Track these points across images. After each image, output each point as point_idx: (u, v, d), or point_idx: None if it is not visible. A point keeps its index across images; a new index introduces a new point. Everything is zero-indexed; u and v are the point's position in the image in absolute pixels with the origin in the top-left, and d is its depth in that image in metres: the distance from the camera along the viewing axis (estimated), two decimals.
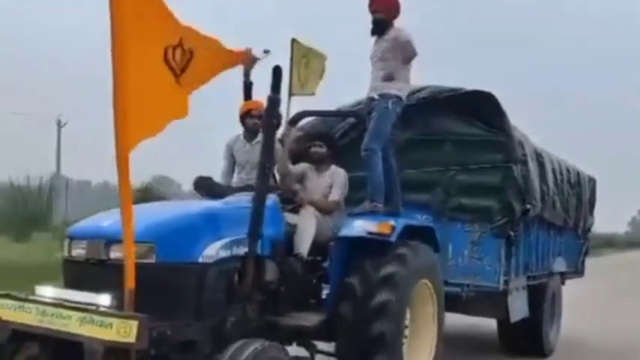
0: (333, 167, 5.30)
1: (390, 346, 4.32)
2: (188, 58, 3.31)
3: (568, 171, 7.62)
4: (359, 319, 4.33)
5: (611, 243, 53.96)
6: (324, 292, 4.76)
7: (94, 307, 3.20)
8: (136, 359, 3.18)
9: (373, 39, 5.27)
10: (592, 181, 8.74)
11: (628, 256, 40.71)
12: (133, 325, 3.05)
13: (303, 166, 5.37)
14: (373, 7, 5.18)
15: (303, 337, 4.63)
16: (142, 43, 3.13)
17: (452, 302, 5.52)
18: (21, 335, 3.41)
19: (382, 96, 5.10)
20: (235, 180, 5.36)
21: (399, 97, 5.13)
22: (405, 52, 5.10)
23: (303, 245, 4.68)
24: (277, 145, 5.23)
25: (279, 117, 4.79)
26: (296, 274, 4.55)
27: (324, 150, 5.29)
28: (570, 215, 7.72)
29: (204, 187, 5.08)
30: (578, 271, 8.76)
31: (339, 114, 6.43)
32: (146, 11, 3.15)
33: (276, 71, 3.88)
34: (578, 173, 8.06)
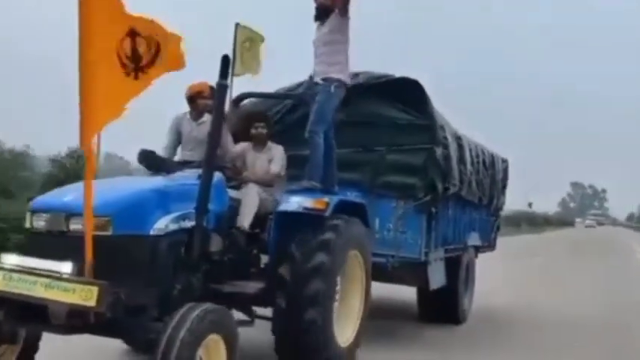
0: (270, 144, 5.68)
1: (322, 303, 4.77)
2: (155, 50, 3.54)
3: (483, 153, 8.29)
4: (296, 279, 4.75)
5: (548, 221, 62.24)
6: (263, 262, 5.19)
7: (57, 274, 3.47)
8: (93, 320, 3.51)
9: (316, 24, 5.58)
10: (505, 163, 9.49)
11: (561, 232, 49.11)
12: (94, 290, 3.36)
13: (242, 146, 5.71)
14: None
15: (244, 303, 5.02)
16: (98, 34, 3.37)
17: (378, 271, 6.04)
18: None
19: (325, 80, 5.45)
20: (179, 155, 5.64)
21: (341, 82, 5.50)
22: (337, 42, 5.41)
23: (246, 219, 5.05)
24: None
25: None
26: (238, 246, 4.93)
27: (263, 130, 5.65)
28: (484, 194, 8.42)
29: (149, 160, 5.34)
30: (490, 245, 9.55)
31: (283, 96, 6.78)
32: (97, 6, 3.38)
33: (225, 60, 4.20)
34: (492, 155, 8.77)
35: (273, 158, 5.60)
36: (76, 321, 3.55)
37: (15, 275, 3.50)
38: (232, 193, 5.14)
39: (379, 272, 6.20)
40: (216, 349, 3.77)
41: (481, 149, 8.27)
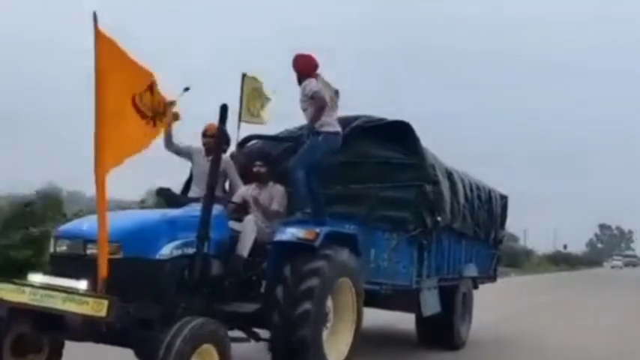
0: (272, 183, 6.32)
1: (313, 322, 5.32)
2: (164, 104, 4.27)
3: (478, 188, 8.83)
4: (289, 301, 5.31)
5: (580, 261, 74.31)
6: (263, 288, 5.78)
7: (74, 290, 4.15)
8: (105, 330, 4.16)
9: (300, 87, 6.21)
10: (504, 199, 9.99)
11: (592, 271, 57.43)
12: (104, 303, 4.02)
13: (247, 187, 6.34)
14: (294, 64, 6.17)
15: (243, 322, 5.59)
16: (115, 91, 4.11)
17: (372, 298, 6.60)
18: (16, 311, 4.34)
19: (315, 132, 6.07)
20: (191, 192, 6.34)
21: (329, 133, 6.11)
22: (316, 102, 5.97)
23: (245, 248, 5.68)
24: (230, 162, 6.28)
25: (227, 142, 5.86)
26: (238, 271, 5.55)
27: (264, 169, 6.31)
28: (480, 227, 8.93)
29: (165, 196, 6.07)
30: (490, 276, 9.98)
31: (284, 139, 7.47)
32: (118, 65, 4.13)
33: (223, 108, 4.91)
34: (489, 191, 9.29)
35: (274, 197, 6.22)
36: (89, 330, 4.20)
37: (40, 291, 4.19)
38: (235, 225, 5.78)
39: (374, 299, 6.74)
40: (210, 356, 4.34)
41: (476, 185, 8.81)
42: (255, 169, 6.31)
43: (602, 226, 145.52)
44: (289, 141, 7.25)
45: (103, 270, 4.18)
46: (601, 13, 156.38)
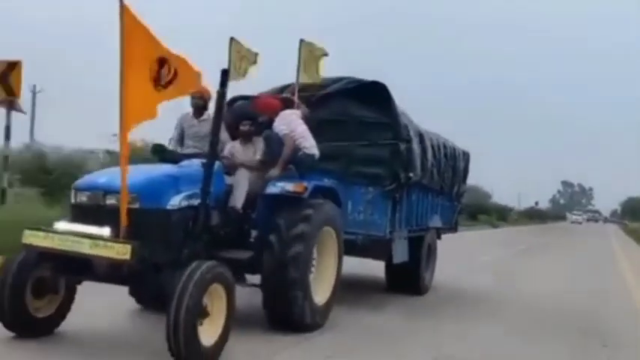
0: (255, 139, 6.81)
1: (302, 264, 5.92)
2: (173, 75, 4.68)
3: (445, 147, 9.49)
4: (281, 244, 5.88)
5: (547, 216, 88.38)
6: (252, 237, 6.32)
7: (99, 236, 4.62)
8: (125, 273, 4.67)
9: None
10: (466, 155, 10.70)
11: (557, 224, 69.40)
12: (128, 247, 4.52)
13: (232, 143, 6.81)
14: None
15: (237, 267, 6.13)
16: (134, 61, 4.52)
17: (349, 247, 7.22)
18: (44, 256, 4.79)
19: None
20: (185, 148, 6.78)
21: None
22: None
23: (238, 200, 6.20)
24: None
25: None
26: (232, 222, 6.08)
27: (250, 128, 6.78)
28: (446, 182, 9.64)
29: (160, 153, 6.50)
30: (452, 227, 10.77)
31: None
32: (137, 37, 4.53)
33: (224, 72, 5.34)
34: (454, 148, 9.98)
35: (257, 149, 6.74)
36: (113, 272, 4.70)
37: (67, 237, 4.65)
38: (227, 179, 6.28)
39: (351, 248, 7.38)
40: (218, 295, 4.89)
41: (443, 144, 9.47)
42: (241, 128, 6.78)
43: (565, 183, 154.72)
44: None
45: (124, 218, 4.66)
46: None
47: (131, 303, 6.47)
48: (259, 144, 6.76)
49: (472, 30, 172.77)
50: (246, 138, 6.77)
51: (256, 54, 7.39)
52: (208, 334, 4.76)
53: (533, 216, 76.75)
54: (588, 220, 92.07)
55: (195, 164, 5.82)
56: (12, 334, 5.14)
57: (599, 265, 18.82)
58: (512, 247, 22.77)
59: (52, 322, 5.32)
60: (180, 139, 6.86)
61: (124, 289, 5.84)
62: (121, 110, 4.53)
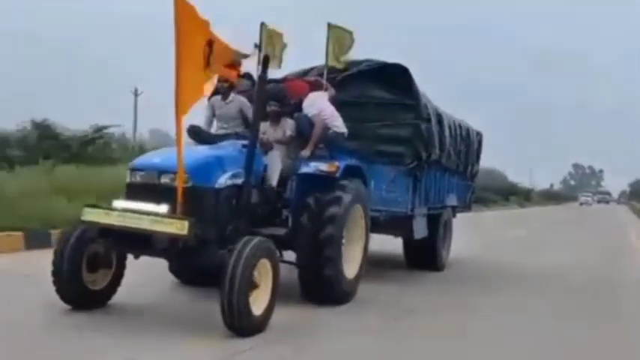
0: (283, 119, 7.07)
1: (334, 244, 6.23)
2: (218, 55, 4.94)
3: (460, 127, 9.78)
4: (314, 226, 6.19)
5: (561, 197, 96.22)
6: (284, 214, 6.62)
7: (157, 213, 4.90)
8: (181, 246, 4.96)
9: None
10: (479, 135, 11.00)
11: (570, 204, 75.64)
12: (186, 223, 4.80)
13: (263, 124, 7.07)
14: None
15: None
16: (187, 47, 4.77)
17: (372, 224, 7.51)
18: (105, 232, 5.08)
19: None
20: (216, 129, 7.05)
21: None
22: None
23: (273, 179, 6.47)
24: (247, 104, 6.99)
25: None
26: (269, 199, 6.37)
27: (277, 109, 7.02)
28: (461, 162, 9.94)
29: (196, 134, 6.76)
30: (466, 206, 11.11)
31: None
32: (189, 23, 4.77)
33: (265, 59, 5.59)
34: (468, 129, 10.27)
35: (287, 128, 6.99)
36: (171, 246, 4.99)
37: (127, 214, 4.93)
38: (262, 158, 6.55)
39: (373, 224, 7.66)
40: (266, 270, 5.19)
41: (458, 124, 9.76)
42: (269, 109, 7.03)
43: (576, 165, 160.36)
44: None
45: (181, 196, 4.95)
46: None
47: (168, 277, 6.79)
48: (288, 124, 7.02)
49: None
50: (275, 119, 7.02)
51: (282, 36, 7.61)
52: (257, 304, 5.07)
53: (552, 197, 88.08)
54: (599, 201, 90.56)
55: (236, 145, 6.09)
56: (67, 307, 5.44)
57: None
58: (548, 221, 30.04)
59: (105, 294, 5.62)
60: (211, 120, 7.11)
61: (159, 266, 6.12)
62: (177, 93, 4.78)
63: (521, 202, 56.66)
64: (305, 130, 6.91)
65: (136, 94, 44.06)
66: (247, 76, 7.36)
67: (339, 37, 7.57)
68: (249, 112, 7.02)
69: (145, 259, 5.40)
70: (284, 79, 7.89)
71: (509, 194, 55.03)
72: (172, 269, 6.66)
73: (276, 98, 7.24)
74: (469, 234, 13.24)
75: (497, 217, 29.35)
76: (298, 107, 7.12)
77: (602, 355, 5.58)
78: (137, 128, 35.93)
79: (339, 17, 7.82)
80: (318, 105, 7.01)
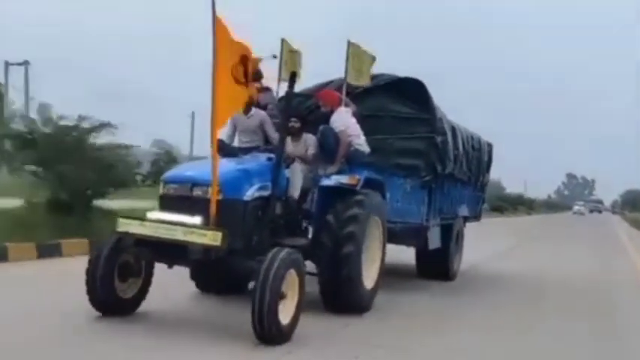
0: (305, 135, 7.23)
1: (353, 262, 6.38)
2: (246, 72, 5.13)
3: (472, 138, 9.97)
4: (333, 244, 6.34)
5: (556, 206, 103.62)
6: (304, 225, 6.77)
7: (191, 224, 5.07)
8: (214, 256, 5.12)
9: None
10: (489, 146, 11.18)
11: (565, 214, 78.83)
12: (219, 234, 4.97)
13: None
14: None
15: None
16: (222, 65, 4.97)
17: (388, 235, 7.67)
18: (140, 242, 5.24)
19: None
20: (237, 143, 7.23)
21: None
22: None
23: (295, 191, 6.64)
24: (267, 118, 7.17)
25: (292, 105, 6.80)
26: (290, 211, 6.53)
27: (298, 124, 7.18)
28: (473, 173, 10.12)
29: (220, 147, 6.90)
30: (476, 216, 11.28)
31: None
32: (224, 42, 4.96)
33: (292, 75, 5.78)
34: (479, 140, 10.46)
35: (309, 146, 7.15)
36: (204, 256, 5.15)
37: (161, 225, 5.10)
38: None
39: (389, 235, 7.80)
40: (293, 280, 5.34)
41: (470, 135, 9.94)
42: (290, 125, 7.19)
43: (569, 175, 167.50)
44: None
45: (214, 208, 5.12)
46: None
47: (189, 285, 6.95)
48: (308, 140, 7.18)
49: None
50: (296, 135, 7.18)
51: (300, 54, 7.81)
52: (285, 313, 5.22)
53: (551, 206, 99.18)
54: (591, 210, 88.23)
55: (260, 158, 6.27)
56: (97, 314, 5.60)
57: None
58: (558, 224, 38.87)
59: (134, 302, 5.78)
60: (232, 134, 7.30)
61: (179, 275, 6.29)
62: (213, 108, 4.96)
63: (527, 210, 66.88)
64: (330, 143, 7.05)
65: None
66: (267, 89, 7.54)
67: (358, 54, 7.73)
68: (269, 126, 7.22)
69: (161, 268, 5.59)
70: (314, 91, 8.08)
71: (517, 204, 65.04)
72: (192, 277, 6.82)
73: (296, 114, 7.42)
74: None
75: (526, 222, 41.13)
76: (325, 117, 7.27)
77: None
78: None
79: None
80: (345, 121, 7.16)
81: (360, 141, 7.16)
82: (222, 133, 7.36)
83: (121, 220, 5.29)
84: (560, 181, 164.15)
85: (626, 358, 6.22)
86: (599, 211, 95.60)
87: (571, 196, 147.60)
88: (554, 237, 25.37)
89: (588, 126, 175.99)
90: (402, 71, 8.76)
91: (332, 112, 7.21)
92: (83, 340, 5.02)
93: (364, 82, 8.00)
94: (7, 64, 38.37)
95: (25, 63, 38.55)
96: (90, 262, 5.49)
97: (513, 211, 55.70)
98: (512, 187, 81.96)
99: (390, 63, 8.97)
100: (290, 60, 7.47)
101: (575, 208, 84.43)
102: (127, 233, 5.25)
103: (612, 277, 12.39)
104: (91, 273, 5.46)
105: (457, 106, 13.34)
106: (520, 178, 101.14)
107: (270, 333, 5.04)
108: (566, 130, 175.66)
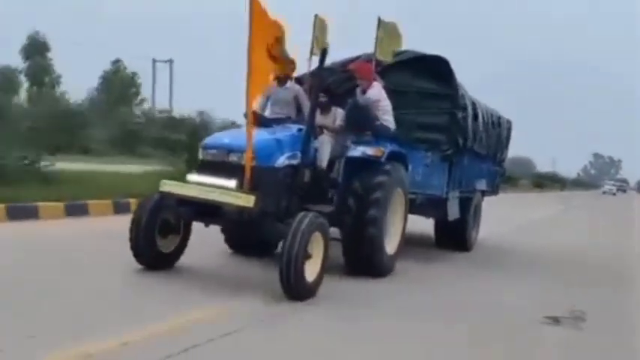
0: (334, 108, 7.61)
1: (377, 224, 6.82)
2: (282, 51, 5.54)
3: (491, 115, 10.27)
4: (359, 208, 6.78)
5: (584, 184, 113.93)
6: (330, 193, 7.20)
7: (227, 187, 5.54)
8: (247, 217, 5.60)
9: None
10: (509, 123, 11.47)
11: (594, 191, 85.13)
12: (252, 197, 5.43)
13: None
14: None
15: None
16: (258, 42, 5.38)
17: (410, 206, 8.08)
18: (182, 202, 5.74)
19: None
20: (269, 112, 7.65)
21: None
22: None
23: (323, 161, 7.05)
24: (302, 91, 7.56)
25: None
26: (318, 179, 6.96)
27: (326, 99, 7.55)
28: (492, 148, 10.45)
29: (255, 118, 7.35)
30: (494, 190, 11.62)
31: (342, 71, 8.74)
32: (261, 21, 5.37)
33: (324, 51, 6.16)
34: (499, 117, 10.75)
35: (337, 117, 7.55)
36: (238, 217, 5.63)
37: (200, 187, 5.58)
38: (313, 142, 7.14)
39: (410, 205, 8.23)
40: (318, 242, 5.79)
41: (490, 112, 10.24)
42: (319, 100, 7.58)
43: (596, 155, 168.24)
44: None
45: (248, 173, 5.58)
46: None
47: (222, 246, 7.47)
48: (337, 113, 7.57)
49: None
50: (326, 109, 7.56)
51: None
52: (310, 272, 5.68)
53: (579, 184, 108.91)
54: (617, 190, 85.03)
55: (291, 129, 6.70)
56: (139, 267, 6.12)
57: None
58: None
59: (173, 257, 6.30)
60: (265, 105, 7.72)
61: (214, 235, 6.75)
62: (248, 82, 5.39)
63: (561, 187, 76.81)
64: (360, 116, 7.40)
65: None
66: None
67: (390, 32, 8.02)
68: (304, 99, 7.62)
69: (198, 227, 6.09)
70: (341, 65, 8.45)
71: (552, 182, 75.32)
72: (227, 239, 7.32)
73: (324, 89, 7.79)
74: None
75: (563, 196, 50.79)
76: (351, 91, 7.65)
77: None
78: None
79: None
80: (380, 94, 7.52)
81: (388, 117, 7.52)
82: (256, 104, 7.83)
83: (163, 181, 5.78)
84: (587, 160, 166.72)
85: None
86: (624, 190, 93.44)
87: (598, 175, 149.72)
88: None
89: (614, 105, 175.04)
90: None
91: (367, 85, 7.50)
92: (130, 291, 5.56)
93: (389, 58, 8.34)
94: (154, 62, 39.52)
95: (170, 61, 39.65)
96: (133, 220, 6.00)
97: (550, 188, 65.93)
98: (540, 166, 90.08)
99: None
100: (321, 36, 7.81)
101: (606, 187, 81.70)
102: (169, 193, 5.74)
103: None
104: (134, 229, 5.97)
105: (481, 87, 13.59)
106: (548, 157, 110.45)
107: (297, 289, 5.52)
108: (593, 110, 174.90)
